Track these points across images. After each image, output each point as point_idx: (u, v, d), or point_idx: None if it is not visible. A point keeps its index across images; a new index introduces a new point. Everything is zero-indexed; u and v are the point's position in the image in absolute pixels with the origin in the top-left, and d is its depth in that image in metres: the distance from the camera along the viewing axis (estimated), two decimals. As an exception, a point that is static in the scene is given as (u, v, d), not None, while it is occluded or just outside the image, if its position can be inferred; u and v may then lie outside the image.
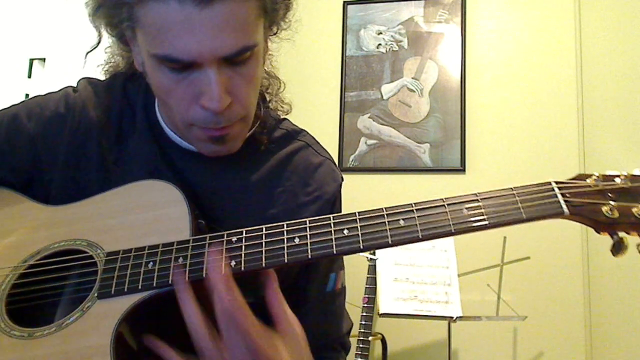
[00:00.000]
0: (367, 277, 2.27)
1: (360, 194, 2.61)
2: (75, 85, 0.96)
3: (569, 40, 2.58)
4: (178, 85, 0.76)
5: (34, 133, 0.90)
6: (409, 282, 2.17)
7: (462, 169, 2.58)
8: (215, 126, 0.79)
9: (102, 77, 0.97)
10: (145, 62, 0.79)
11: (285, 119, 1.00)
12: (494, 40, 2.69)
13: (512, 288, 2.32)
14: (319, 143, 1.00)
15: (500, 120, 2.61)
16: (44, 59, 2.72)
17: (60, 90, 0.95)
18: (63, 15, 2.53)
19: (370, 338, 2.16)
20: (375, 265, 2.22)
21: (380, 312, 2.09)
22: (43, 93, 0.97)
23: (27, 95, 2.73)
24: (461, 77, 2.66)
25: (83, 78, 0.96)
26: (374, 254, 2.22)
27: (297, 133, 0.98)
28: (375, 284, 2.19)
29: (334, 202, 0.95)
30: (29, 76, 2.76)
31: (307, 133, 1.00)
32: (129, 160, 0.89)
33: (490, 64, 2.67)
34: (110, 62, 0.95)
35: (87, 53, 0.93)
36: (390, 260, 2.20)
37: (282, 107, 0.99)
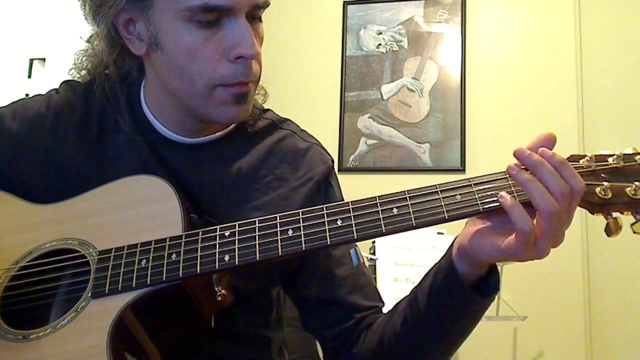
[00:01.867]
0: (367, 277, 2.27)
1: (360, 194, 2.59)
2: (58, 87, 0.97)
3: (569, 40, 2.58)
4: (208, 42, 0.78)
5: (15, 132, 0.91)
6: (409, 282, 2.16)
7: (462, 169, 2.58)
8: (246, 79, 0.82)
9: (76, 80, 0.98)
10: (165, 29, 0.79)
11: (269, 109, 1.01)
12: (494, 40, 2.69)
13: (512, 288, 2.32)
14: (304, 131, 1.01)
15: (500, 120, 2.61)
16: (44, 59, 2.71)
17: (46, 92, 0.97)
18: (63, 15, 2.52)
19: (370, 338, 2.15)
20: (375, 265, 2.22)
21: (380, 312, 2.08)
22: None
23: (27, 95, 2.72)
24: (461, 77, 2.66)
25: (64, 80, 0.98)
26: (374, 253, 2.22)
27: (281, 122, 1.00)
28: (376, 284, 2.19)
29: (326, 183, 0.95)
30: (29, 76, 2.76)
31: (292, 122, 1.01)
32: (114, 157, 0.90)
33: (490, 64, 2.67)
34: (83, 65, 0.96)
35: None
36: (390, 260, 2.20)
37: (259, 91, 1.00)
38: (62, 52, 2.54)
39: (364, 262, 0.97)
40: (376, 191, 2.87)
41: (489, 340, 2.38)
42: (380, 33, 2.81)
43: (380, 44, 2.80)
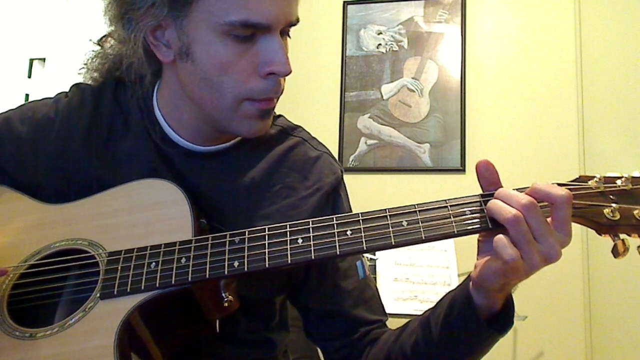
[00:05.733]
0: (367, 277, 2.27)
1: (360, 194, 2.60)
2: (67, 90, 0.97)
3: (569, 40, 2.58)
4: (241, 57, 0.78)
5: (23, 136, 0.91)
6: (409, 282, 2.16)
7: (462, 169, 2.58)
8: (275, 95, 0.83)
9: (88, 82, 0.97)
10: (199, 40, 0.78)
11: (280, 115, 1.00)
12: (494, 40, 2.69)
13: (512, 288, 2.32)
14: (315, 138, 1.00)
15: (500, 120, 2.61)
16: (44, 59, 2.72)
17: (55, 95, 0.97)
18: (63, 15, 2.53)
19: (370, 338, 2.15)
20: (375, 265, 2.22)
21: (380, 312, 2.08)
22: (42, 94, 0.99)
23: (27, 95, 2.73)
24: (461, 77, 2.66)
25: (75, 84, 0.97)
26: (374, 254, 2.22)
27: (292, 129, 0.99)
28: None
29: (335, 194, 0.95)
30: (29, 76, 2.77)
31: (303, 129, 1.01)
32: (123, 162, 0.89)
33: (490, 64, 2.67)
34: (95, 67, 0.95)
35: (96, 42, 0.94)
36: (390, 260, 2.20)
37: None
38: (62, 52, 2.55)
39: (370, 275, 0.97)
40: (376, 191, 2.86)
41: (489, 340, 2.37)
42: (380, 33, 2.81)
43: (380, 44, 2.80)
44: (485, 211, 0.71)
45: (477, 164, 0.74)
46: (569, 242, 0.69)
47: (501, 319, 0.75)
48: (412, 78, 2.73)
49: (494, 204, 0.69)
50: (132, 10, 0.80)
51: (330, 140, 2.68)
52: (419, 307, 2.10)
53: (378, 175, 2.70)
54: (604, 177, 0.72)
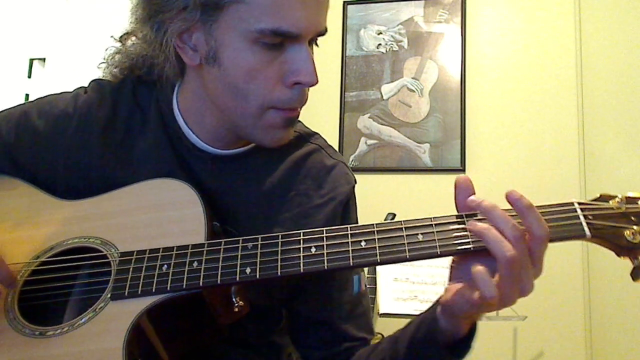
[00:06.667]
0: (367, 277, 2.27)
1: (360, 194, 2.60)
2: (87, 86, 0.96)
3: (569, 40, 2.58)
4: (269, 65, 0.78)
5: (40, 130, 0.91)
6: (409, 282, 2.16)
7: (462, 169, 2.58)
8: (299, 105, 0.82)
9: (108, 78, 0.96)
10: (227, 46, 0.78)
11: (298, 120, 1.00)
12: (494, 40, 2.69)
13: (512, 288, 2.31)
14: (331, 146, 1.00)
15: (500, 120, 2.61)
16: (44, 59, 2.72)
17: (74, 90, 0.96)
18: (63, 15, 2.53)
19: (370, 338, 2.15)
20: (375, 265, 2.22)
21: (380, 312, 2.08)
22: (42, 94, 0.98)
23: (27, 95, 2.73)
24: (461, 77, 2.66)
25: (94, 80, 0.96)
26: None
27: (309, 136, 0.99)
28: (375, 284, 2.19)
29: (347, 204, 0.95)
30: (29, 76, 2.77)
31: (320, 136, 1.01)
32: (139, 161, 0.89)
33: (490, 64, 2.67)
34: (115, 63, 0.95)
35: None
36: (390, 260, 2.20)
37: None
38: (62, 52, 2.55)
39: (365, 290, 0.96)
40: (376, 191, 2.85)
41: (489, 340, 2.38)
42: (380, 33, 2.81)
43: (380, 44, 2.80)
44: (478, 234, 0.67)
45: (456, 180, 0.71)
46: (540, 274, 0.68)
47: (462, 344, 0.73)
48: (412, 78, 2.73)
49: (491, 232, 0.65)
50: (162, 13, 0.79)
51: (330, 140, 2.66)
52: (419, 307, 2.10)
53: (378, 175, 2.70)
54: (626, 197, 0.70)
